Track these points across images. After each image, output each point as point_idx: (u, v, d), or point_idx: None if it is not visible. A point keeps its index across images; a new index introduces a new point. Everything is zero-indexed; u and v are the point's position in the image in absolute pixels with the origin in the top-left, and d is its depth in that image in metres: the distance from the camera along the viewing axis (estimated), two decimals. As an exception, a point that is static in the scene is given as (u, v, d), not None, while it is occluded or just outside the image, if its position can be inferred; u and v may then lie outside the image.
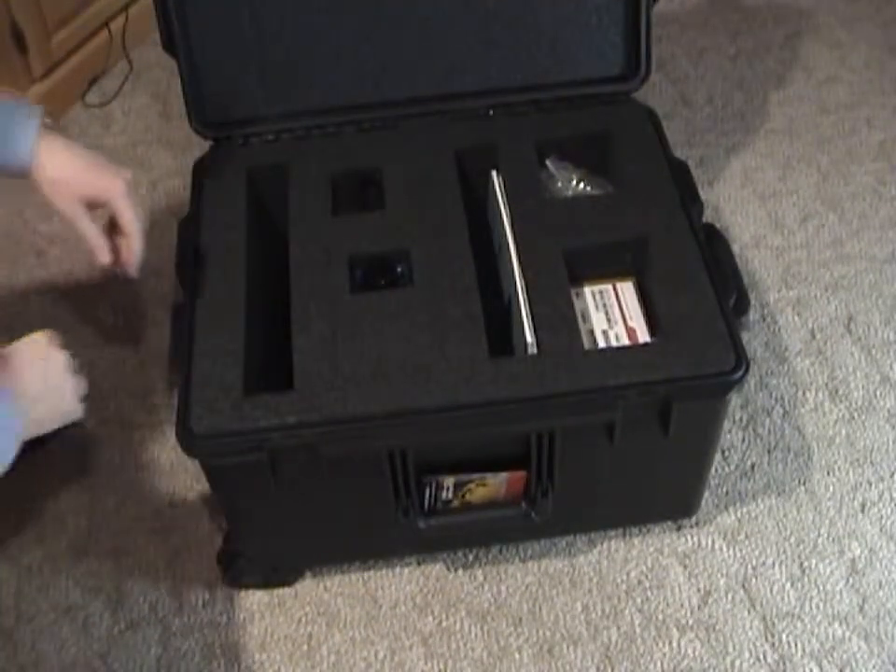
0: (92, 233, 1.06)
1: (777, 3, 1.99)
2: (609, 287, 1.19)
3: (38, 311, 1.55)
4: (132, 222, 1.08)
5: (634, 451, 1.11)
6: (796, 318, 1.49)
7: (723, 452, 1.35)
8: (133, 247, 1.08)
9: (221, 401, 1.02)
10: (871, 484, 1.31)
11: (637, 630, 1.20)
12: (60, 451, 1.39)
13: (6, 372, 0.96)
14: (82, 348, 1.49)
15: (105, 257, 1.07)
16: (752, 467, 1.34)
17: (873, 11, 1.97)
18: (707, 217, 1.30)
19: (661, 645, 1.19)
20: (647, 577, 1.24)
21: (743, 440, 1.36)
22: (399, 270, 1.14)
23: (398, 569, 1.26)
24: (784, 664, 1.17)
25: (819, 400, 1.40)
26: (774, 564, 1.25)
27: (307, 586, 1.25)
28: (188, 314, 1.10)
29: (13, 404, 0.92)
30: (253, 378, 1.05)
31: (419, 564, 1.26)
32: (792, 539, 1.27)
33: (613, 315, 1.16)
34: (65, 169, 1.03)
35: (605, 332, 1.15)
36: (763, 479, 1.32)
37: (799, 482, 1.32)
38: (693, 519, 1.28)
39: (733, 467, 1.34)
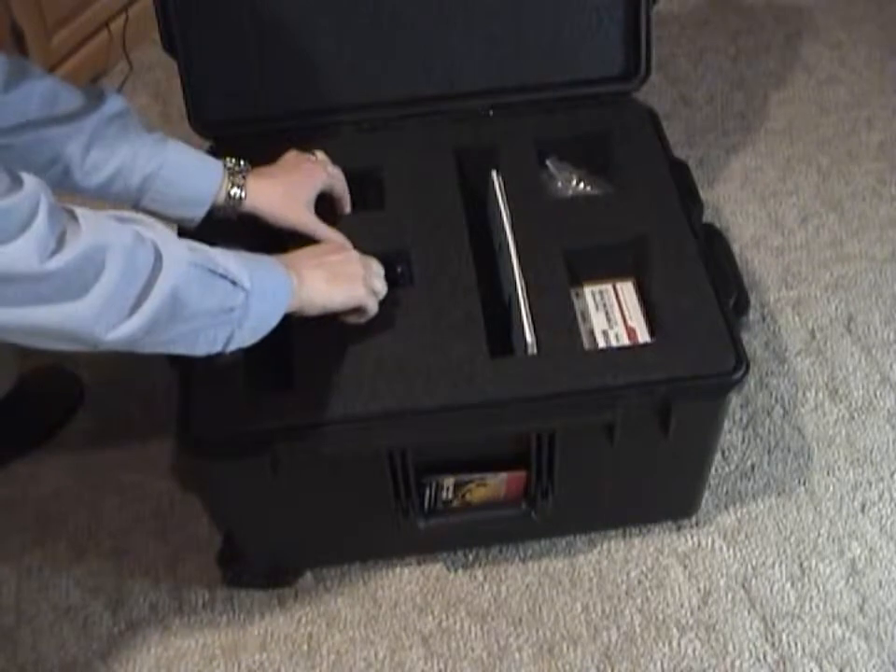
0: (330, 233, 1.10)
1: (777, 3, 1.99)
2: (609, 287, 1.19)
3: (38, 311, 1.55)
4: (345, 199, 1.16)
5: (634, 451, 1.11)
6: (796, 318, 1.49)
7: (723, 452, 1.35)
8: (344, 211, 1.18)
9: (221, 401, 1.02)
10: (871, 484, 1.31)
11: (637, 630, 1.20)
12: (60, 450, 1.39)
13: (292, 255, 1.01)
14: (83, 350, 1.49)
15: (349, 245, 1.10)
16: (752, 467, 1.34)
17: (873, 11, 1.97)
18: (707, 217, 1.30)
19: (661, 645, 1.19)
20: (647, 577, 1.24)
21: (743, 440, 1.36)
22: (398, 270, 1.14)
23: (398, 569, 1.26)
24: (784, 664, 1.17)
25: (819, 400, 1.40)
26: (774, 564, 1.25)
27: (307, 586, 1.26)
28: (188, 314, 1.10)
29: (285, 272, 0.94)
30: (253, 378, 1.05)
31: (419, 564, 1.26)
32: (792, 539, 1.27)
33: (613, 315, 1.16)
34: (276, 191, 1.08)
35: (605, 332, 1.15)
36: (762, 479, 1.32)
37: (799, 482, 1.32)
38: (693, 519, 1.28)
39: (733, 467, 1.34)
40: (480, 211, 1.24)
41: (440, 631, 1.21)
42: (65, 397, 1.44)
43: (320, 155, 1.17)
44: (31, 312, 0.73)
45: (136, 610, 1.25)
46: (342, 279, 1.00)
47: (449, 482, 1.12)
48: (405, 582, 1.25)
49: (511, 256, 1.11)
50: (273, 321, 0.93)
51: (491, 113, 1.28)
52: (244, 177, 1.07)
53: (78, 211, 0.77)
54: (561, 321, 1.07)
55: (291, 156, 1.14)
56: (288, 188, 1.09)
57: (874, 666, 1.16)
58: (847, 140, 1.73)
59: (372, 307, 1.03)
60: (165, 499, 1.34)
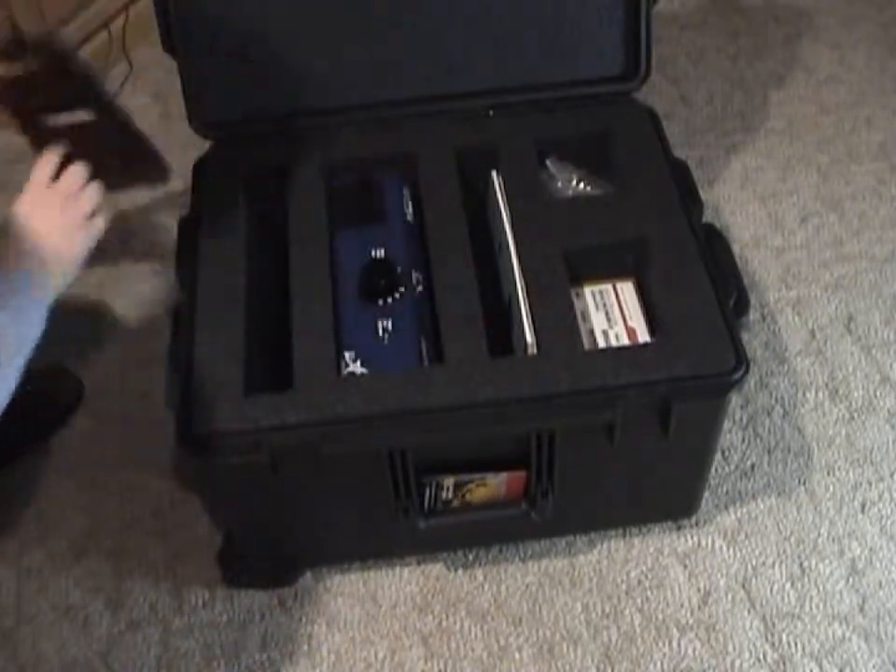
0: None
1: (777, 3, 1.99)
2: (609, 287, 1.19)
3: (38, 311, 1.55)
4: None
5: (634, 451, 1.11)
6: (796, 318, 1.49)
7: (723, 452, 1.35)
8: None
9: (221, 401, 1.02)
10: (871, 484, 1.31)
11: (637, 630, 1.20)
12: (60, 451, 1.39)
13: (18, 243, 0.96)
14: (82, 349, 1.49)
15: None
16: (752, 467, 1.34)
17: (873, 11, 1.97)
18: (707, 217, 1.30)
19: (661, 645, 1.19)
20: (647, 577, 1.24)
21: (743, 440, 1.36)
22: (398, 269, 1.14)
23: (398, 569, 1.26)
24: (784, 664, 1.17)
25: (819, 400, 1.40)
26: (774, 564, 1.25)
27: (307, 586, 1.25)
28: (188, 314, 1.10)
29: (30, 276, 0.93)
30: (253, 378, 1.05)
31: (419, 564, 1.26)
32: (792, 539, 1.27)
33: (613, 315, 1.16)
34: None
35: (605, 332, 1.15)
36: (762, 479, 1.32)
37: (799, 482, 1.32)
38: (693, 519, 1.28)
39: (733, 467, 1.34)
40: (480, 211, 1.24)
41: (440, 631, 1.21)
42: (65, 395, 1.44)
43: None
44: None
45: (136, 610, 1.25)
46: (74, 238, 0.98)
47: (449, 482, 1.12)
48: (405, 582, 1.25)
49: (511, 256, 1.11)
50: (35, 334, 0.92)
51: (491, 113, 1.28)
52: None
53: None
54: (561, 321, 1.07)
55: None
56: None
57: (874, 666, 1.16)
58: (847, 140, 1.73)
59: (98, 233, 1.00)
60: (165, 499, 1.34)
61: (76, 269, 1.00)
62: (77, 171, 1.00)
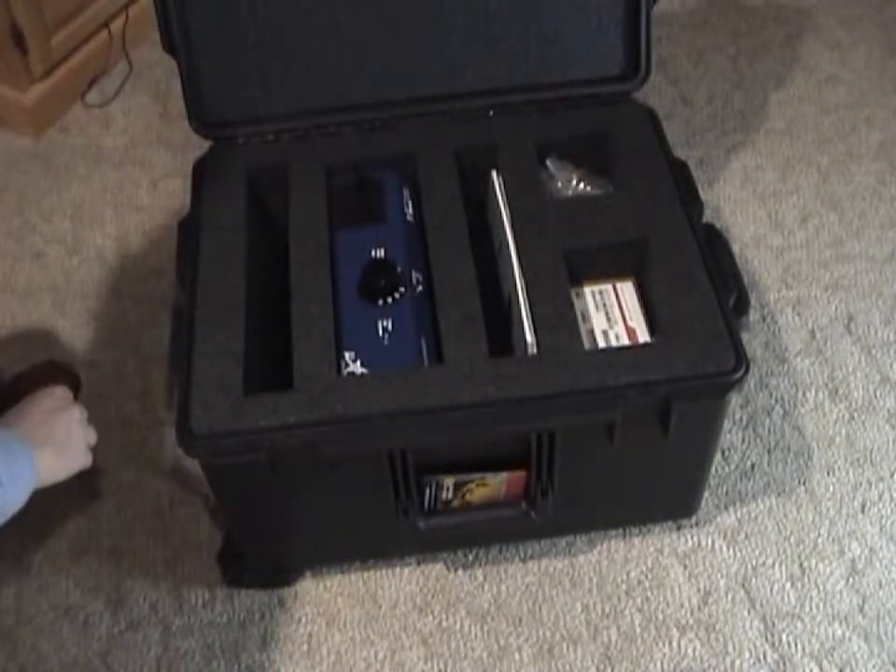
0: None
1: (777, 3, 1.99)
2: (609, 287, 1.19)
3: (37, 311, 1.55)
4: None
5: (634, 451, 1.11)
6: (796, 318, 1.49)
7: (723, 452, 1.35)
8: None
9: (221, 401, 1.02)
10: (871, 484, 1.31)
11: (637, 630, 1.20)
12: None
13: (20, 423, 1.03)
14: (82, 349, 1.49)
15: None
16: (752, 467, 1.34)
17: (873, 11, 1.97)
18: (707, 217, 1.30)
19: (661, 645, 1.19)
20: (647, 577, 1.24)
21: (743, 440, 1.36)
22: (398, 269, 1.14)
23: (398, 569, 1.26)
24: (784, 664, 1.17)
25: (819, 400, 1.40)
26: (774, 564, 1.25)
27: (307, 586, 1.25)
28: (188, 314, 1.10)
29: (30, 454, 0.98)
30: (253, 378, 1.05)
31: (419, 564, 1.26)
32: (792, 539, 1.27)
33: (613, 314, 1.16)
34: None
35: (605, 332, 1.15)
36: (762, 479, 1.32)
37: (799, 482, 1.32)
38: (693, 519, 1.28)
39: (733, 467, 1.34)
40: (480, 211, 1.24)
41: (440, 631, 1.21)
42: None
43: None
44: None
45: (136, 610, 1.25)
46: (66, 453, 1.04)
47: (449, 482, 1.12)
48: (405, 582, 1.25)
49: (510, 256, 1.11)
50: (16, 508, 0.96)
51: (491, 113, 1.28)
52: None
53: None
54: (561, 321, 1.07)
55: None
56: None
57: (874, 666, 1.16)
58: (847, 140, 1.73)
59: (89, 464, 1.09)
60: (165, 499, 1.34)
61: (49, 482, 1.02)
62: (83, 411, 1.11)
